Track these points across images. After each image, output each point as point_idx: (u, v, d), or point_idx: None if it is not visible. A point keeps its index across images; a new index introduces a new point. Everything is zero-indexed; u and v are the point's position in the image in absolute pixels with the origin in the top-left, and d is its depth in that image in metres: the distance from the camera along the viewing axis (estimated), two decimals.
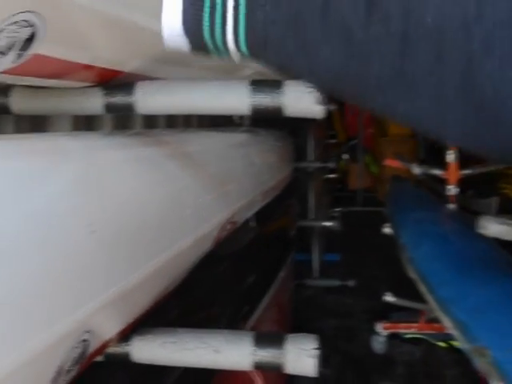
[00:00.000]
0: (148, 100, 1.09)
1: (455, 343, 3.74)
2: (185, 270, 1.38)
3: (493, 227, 1.66)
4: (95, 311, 0.90)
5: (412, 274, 2.58)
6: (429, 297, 2.31)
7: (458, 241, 2.70)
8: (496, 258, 2.45)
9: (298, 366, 1.18)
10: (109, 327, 1.04)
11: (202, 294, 1.96)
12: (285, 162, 2.87)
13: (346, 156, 7.79)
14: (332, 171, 5.90)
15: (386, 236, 3.84)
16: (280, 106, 1.04)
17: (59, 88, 1.11)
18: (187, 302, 1.74)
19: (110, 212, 0.96)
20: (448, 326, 2.07)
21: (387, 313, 4.12)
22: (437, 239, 2.69)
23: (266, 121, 2.74)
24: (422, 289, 2.40)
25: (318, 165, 4.79)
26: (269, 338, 1.21)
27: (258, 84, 1.06)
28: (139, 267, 1.03)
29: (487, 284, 2.13)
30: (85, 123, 1.64)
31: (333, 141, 6.82)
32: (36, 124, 1.46)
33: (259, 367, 1.18)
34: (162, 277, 1.20)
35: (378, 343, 3.86)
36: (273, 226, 3.01)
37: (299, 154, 4.26)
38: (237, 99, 1.05)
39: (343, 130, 8.39)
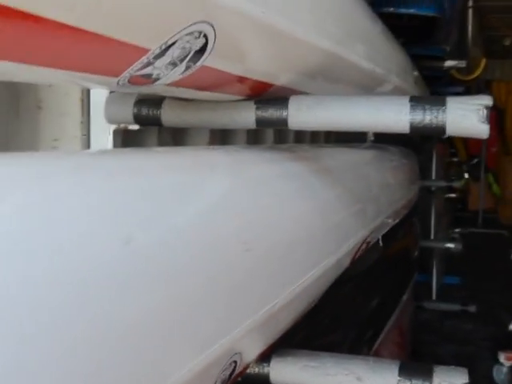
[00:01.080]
0: (301, 115, 1.06)
1: None
2: (323, 291, 1.34)
3: None
4: (247, 332, 0.87)
5: None
6: None
7: None
8: None
9: None
10: (255, 348, 1.01)
11: (326, 316, 1.91)
12: (412, 180, 2.78)
13: (467, 175, 7.54)
14: (452, 190, 5.71)
15: (508, 260, 3.67)
16: (441, 125, 0.98)
17: (209, 101, 1.11)
18: (313, 324, 1.70)
19: (263, 229, 0.93)
20: None
21: (509, 342, 3.94)
22: None
23: (389, 137, 2.67)
24: None
25: (442, 184, 4.64)
26: (415, 368, 1.14)
27: (418, 100, 1.00)
28: (289, 287, 1.00)
29: None
30: (220, 137, 1.64)
31: (454, 159, 6.61)
32: (175, 136, 1.46)
33: None
34: (306, 297, 1.16)
35: (501, 374, 3.67)
36: (397, 246, 2.92)
37: (422, 172, 4.15)
38: (395, 116, 1.00)
39: (464, 148, 8.12)
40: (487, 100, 0.98)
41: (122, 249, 0.58)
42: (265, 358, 1.18)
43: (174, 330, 0.68)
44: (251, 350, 1.00)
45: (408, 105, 1.00)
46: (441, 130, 0.98)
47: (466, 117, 0.96)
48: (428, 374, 1.13)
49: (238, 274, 0.83)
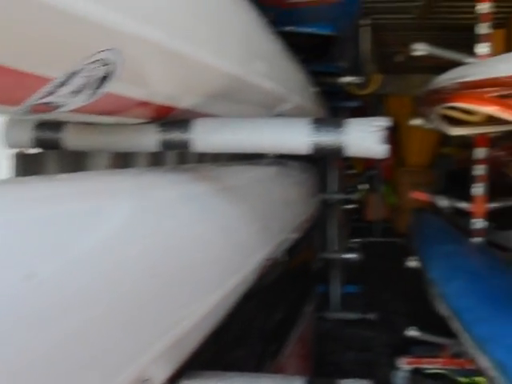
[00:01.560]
0: (205, 138, 1.06)
1: (478, 379, 3.67)
2: (230, 309, 1.35)
3: None
4: (155, 358, 0.86)
5: (443, 310, 2.53)
6: (463, 335, 2.24)
7: (490, 276, 2.65)
8: None
9: None
10: (164, 372, 1.01)
11: (232, 333, 1.92)
12: (313, 194, 2.84)
13: (363, 186, 7.76)
14: (351, 202, 5.87)
15: (404, 269, 3.80)
16: (341, 146, 1.01)
17: (113, 124, 1.09)
18: (219, 342, 1.70)
19: (167, 254, 0.93)
20: (485, 366, 2.01)
21: (407, 347, 4.06)
22: (468, 274, 2.63)
23: None
24: (456, 326, 2.34)
25: (341, 196, 4.76)
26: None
27: (319, 122, 1.03)
28: (195, 309, 1.00)
29: None
30: (123, 158, 1.62)
31: (350, 171, 6.79)
32: (77, 159, 1.44)
33: None
34: (212, 316, 1.17)
35: (400, 378, 3.78)
36: (298, 259, 2.96)
37: (322, 185, 4.24)
38: (298, 138, 1.02)
39: (360, 161, 8.37)
40: (385, 121, 1.02)
41: (24, 283, 0.57)
42: (174, 381, 1.17)
43: (80, 361, 0.67)
44: (160, 375, 0.99)
45: (310, 127, 1.03)
46: (341, 150, 1.01)
47: (364, 138, 1.00)
48: None
49: (143, 300, 0.83)
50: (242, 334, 2.05)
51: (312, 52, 3.09)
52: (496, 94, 2.00)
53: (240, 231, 1.32)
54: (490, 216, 5.43)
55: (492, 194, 3.69)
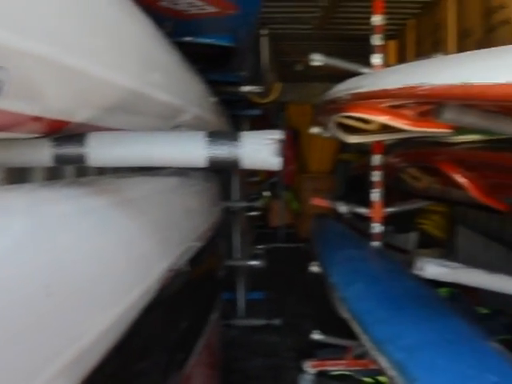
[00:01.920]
0: (101, 152, 1.06)
1: (381, 378, 3.79)
2: (133, 321, 1.34)
3: (430, 269, 1.69)
4: (56, 375, 0.85)
5: (344, 313, 2.60)
6: (363, 337, 2.32)
7: (388, 279, 2.75)
8: (425, 294, 2.50)
9: None
10: None
11: (137, 346, 1.90)
12: (215, 202, 2.85)
13: (266, 193, 7.85)
14: (253, 209, 5.93)
15: (308, 272, 3.89)
16: (237, 158, 1.03)
17: (4, 139, 1.07)
18: (123, 355, 1.69)
19: (64, 271, 0.92)
20: (384, 366, 2.08)
21: (313, 350, 4.14)
22: (368, 278, 2.72)
23: None
24: (356, 328, 2.41)
25: (244, 204, 4.80)
26: None
27: (214, 136, 1.05)
28: (95, 324, 0.99)
29: (421, 322, 2.17)
30: (18, 173, 1.58)
31: (254, 179, 6.87)
32: None
33: None
34: (114, 331, 1.16)
35: (306, 381, 3.85)
36: (203, 267, 2.97)
37: (225, 193, 4.27)
38: (194, 152, 1.04)
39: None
40: (278, 134, 1.05)
41: None
42: None
43: None
44: None
45: (205, 140, 1.04)
46: (236, 163, 1.03)
47: (259, 151, 1.02)
48: None
49: (39, 319, 0.81)
50: (146, 345, 2.03)
51: (213, 62, 3.12)
52: (388, 103, 2.09)
53: (140, 243, 1.32)
54: (390, 220, 5.62)
55: (389, 199, 3.83)
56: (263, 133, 1.03)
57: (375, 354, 2.19)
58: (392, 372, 2.00)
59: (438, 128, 2.22)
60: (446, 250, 5.68)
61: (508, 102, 1.23)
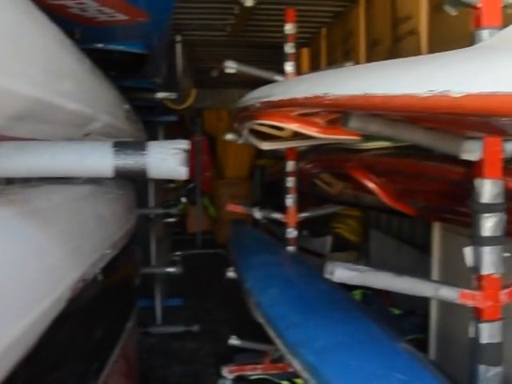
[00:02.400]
0: (5, 162, 1.04)
1: (298, 381, 3.85)
2: (42, 333, 1.33)
3: (339, 273, 1.74)
4: None
5: (260, 318, 2.64)
6: (277, 340, 2.36)
7: (302, 283, 2.81)
8: (338, 298, 2.57)
9: None
10: None
11: (50, 356, 1.87)
12: (130, 209, 2.83)
13: (183, 200, 7.83)
14: (171, 216, 5.91)
15: (226, 278, 3.92)
16: (143, 168, 1.04)
17: None
18: (34, 366, 1.66)
19: None
20: (297, 368, 2.13)
21: (231, 356, 4.17)
22: (282, 283, 2.77)
23: None
24: (271, 333, 2.46)
25: (160, 211, 4.78)
26: None
27: (121, 146, 1.05)
28: (3, 335, 0.98)
29: (333, 325, 2.23)
30: None
31: (171, 185, 6.84)
32: None
33: None
34: (22, 343, 1.14)
35: None
36: (118, 276, 2.94)
37: (141, 200, 4.25)
38: (100, 162, 1.04)
39: None
40: (184, 144, 1.06)
41: None
42: None
43: None
44: None
45: (111, 150, 1.05)
46: (143, 173, 1.04)
47: (165, 160, 1.04)
48: None
49: None
50: (59, 356, 2.00)
51: (126, 68, 3.10)
52: (298, 112, 2.14)
53: (50, 253, 1.30)
54: (306, 225, 5.71)
55: (304, 204, 3.91)
56: (170, 142, 1.04)
57: (289, 357, 2.23)
58: (305, 374, 2.05)
59: (347, 135, 2.29)
60: (361, 253, 5.83)
61: (407, 112, 1.29)
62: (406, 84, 1.19)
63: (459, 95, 1.03)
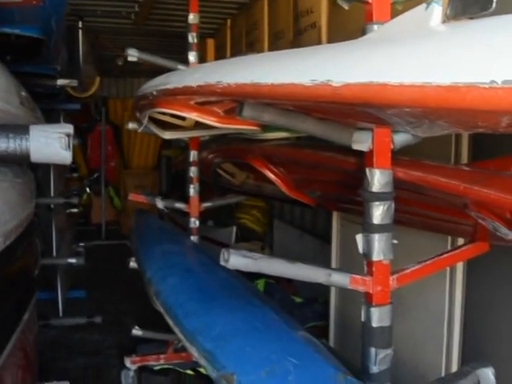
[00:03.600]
0: None
1: (202, 370, 3.87)
2: None
3: (233, 260, 1.76)
4: None
5: (159, 307, 2.63)
6: (176, 329, 2.37)
7: (202, 272, 2.82)
8: (237, 286, 2.60)
9: None
10: None
11: None
12: (27, 199, 2.76)
13: (87, 190, 7.71)
14: (74, 206, 5.80)
15: (130, 270, 3.89)
16: (26, 152, 1.03)
17: None
18: None
19: None
20: (196, 355, 2.15)
21: (135, 347, 4.15)
22: (182, 272, 2.77)
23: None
24: (169, 321, 2.46)
25: (60, 201, 4.67)
26: None
27: (2, 129, 1.03)
28: None
29: (231, 313, 2.25)
30: None
31: (74, 174, 6.71)
32: None
33: None
34: None
35: (128, 378, 3.84)
36: (12, 266, 2.86)
37: (41, 188, 4.15)
38: None
39: (85, 164, 8.30)
40: (68, 128, 1.05)
41: None
42: None
43: None
44: None
45: None
46: (26, 156, 1.03)
47: (49, 144, 1.02)
48: None
49: None
50: None
51: (24, 53, 3.02)
52: (196, 100, 2.15)
53: None
54: (211, 215, 5.73)
55: (208, 194, 3.92)
56: (53, 126, 1.03)
57: (187, 345, 2.25)
58: (202, 361, 2.07)
59: (244, 125, 2.31)
60: (265, 243, 5.91)
61: (293, 101, 1.32)
62: (291, 74, 1.22)
63: (339, 85, 1.07)
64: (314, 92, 1.14)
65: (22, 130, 1.03)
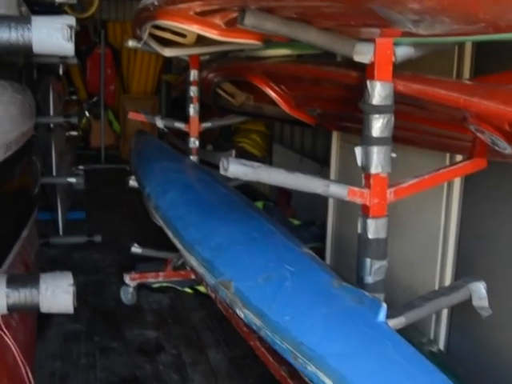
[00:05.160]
0: None
1: (200, 288, 3.96)
2: None
3: (233, 168, 1.78)
4: None
5: (158, 220, 2.67)
6: (176, 241, 2.41)
7: (201, 188, 2.85)
8: (236, 201, 2.63)
9: (54, 304, 1.18)
10: None
11: None
12: (27, 115, 2.75)
13: (87, 114, 7.66)
14: (74, 129, 5.79)
15: (130, 192, 3.92)
16: (28, 43, 1.02)
17: None
18: None
19: None
20: (195, 265, 2.19)
21: (133, 265, 4.21)
22: (180, 187, 2.80)
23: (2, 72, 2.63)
24: (169, 234, 2.50)
25: (60, 120, 4.66)
26: (23, 279, 1.20)
27: (3, 19, 1.02)
28: None
29: (229, 224, 2.29)
30: None
31: (73, 97, 6.66)
32: None
33: (14, 309, 1.17)
34: None
35: (127, 294, 3.92)
36: (13, 184, 2.87)
37: (40, 109, 4.13)
38: None
39: (84, 87, 8.24)
40: (71, 20, 1.05)
41: None
42: None
43: None
44: None
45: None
46: (28, 47, 1.03)
47: (51, 35, 1.02)
48: (35, 282, 1.19)
49: None
50: None
51: None
52: (196, 10, 2.12)
53: None
54: (210, 139, 5.72)
55: (207, 116, 3.92)
56: (55, 17, 1.03)
57: (186, 255, 2.29)
58: (201, 269, 2.12)
59: (246, 38, 2.29)
60: None
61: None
62: None
63: None
64: None
65: (24, 20, 1.02)
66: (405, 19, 1.34)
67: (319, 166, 4.78)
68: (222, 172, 1.82)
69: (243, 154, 5.78)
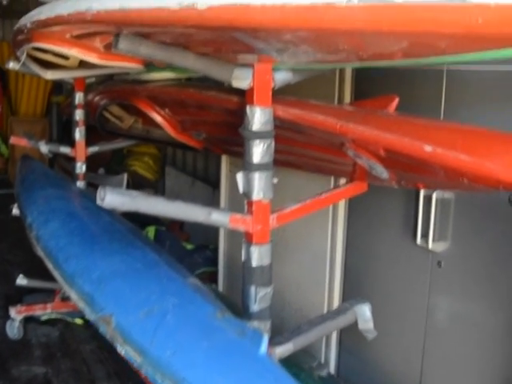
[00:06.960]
0: None
1: None
2: None
3: (109, 198, 1.71)
4: None
5: (40, 252, 2.55)
6: (56, 273, 2.30)
7: (84, 216, 2.75)
8: (120, 230, 2.55)
9: None
10: None
11: None
12: None
13: None
14: None
15: (18, 220, 3.75)
16: None
17: None
18: None
19: None
20: (75, 299, 2.09)
21: (23, 297, 4.04)
22: (63, 216, 2.69)
23: None
24: (50, 266, 2.39)
25: None
26: None
27: None
28: None
29: (111, 255, 2.21)
30: None
31: None
32: None
33: None
34: None
35: (13, 329, 3.75)
36: None
37: None
38: None
39: None
40: None
41: None
42: None
43: None
44: None
45: None
46: None
47: None
48: None
49: None
50: None
51: None
52: (72, 33, 2.04)
53: None
54: (102, 163, 5.59)
55: (96, 139, 3.81)
56: None
57: (67, 289, 2.19)
58: (81, 304, 2.03)
59: (126, 62, 2.23)
60: (157, 191, 5.86)
61: (162, 26, 1.27)
62: None
63: (204, 7, 1.03)
64: (181, 16, 1.10)
65: None
66: (269, 48, 1.33)
67: (212, 188, 4.76)
68: (98, 203, 1.75)
69: (135, 178, 5.69)
